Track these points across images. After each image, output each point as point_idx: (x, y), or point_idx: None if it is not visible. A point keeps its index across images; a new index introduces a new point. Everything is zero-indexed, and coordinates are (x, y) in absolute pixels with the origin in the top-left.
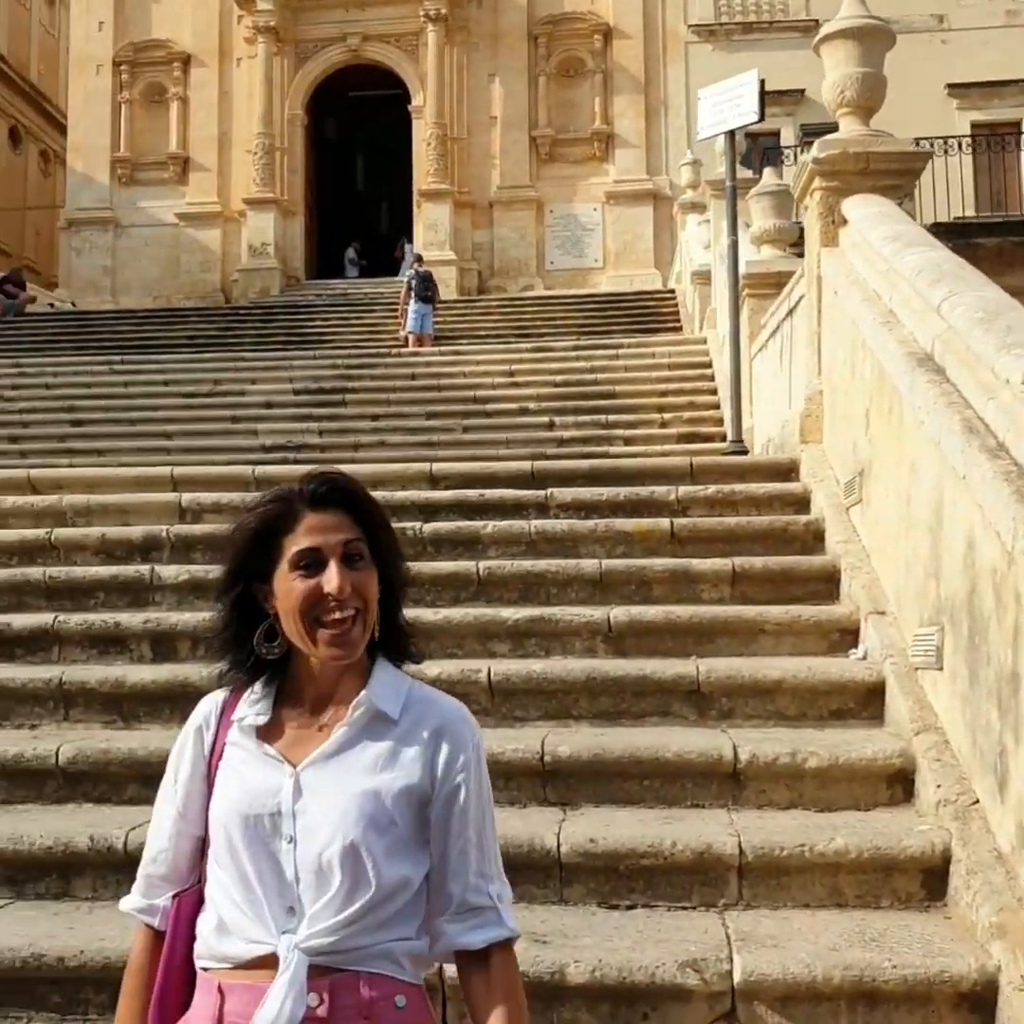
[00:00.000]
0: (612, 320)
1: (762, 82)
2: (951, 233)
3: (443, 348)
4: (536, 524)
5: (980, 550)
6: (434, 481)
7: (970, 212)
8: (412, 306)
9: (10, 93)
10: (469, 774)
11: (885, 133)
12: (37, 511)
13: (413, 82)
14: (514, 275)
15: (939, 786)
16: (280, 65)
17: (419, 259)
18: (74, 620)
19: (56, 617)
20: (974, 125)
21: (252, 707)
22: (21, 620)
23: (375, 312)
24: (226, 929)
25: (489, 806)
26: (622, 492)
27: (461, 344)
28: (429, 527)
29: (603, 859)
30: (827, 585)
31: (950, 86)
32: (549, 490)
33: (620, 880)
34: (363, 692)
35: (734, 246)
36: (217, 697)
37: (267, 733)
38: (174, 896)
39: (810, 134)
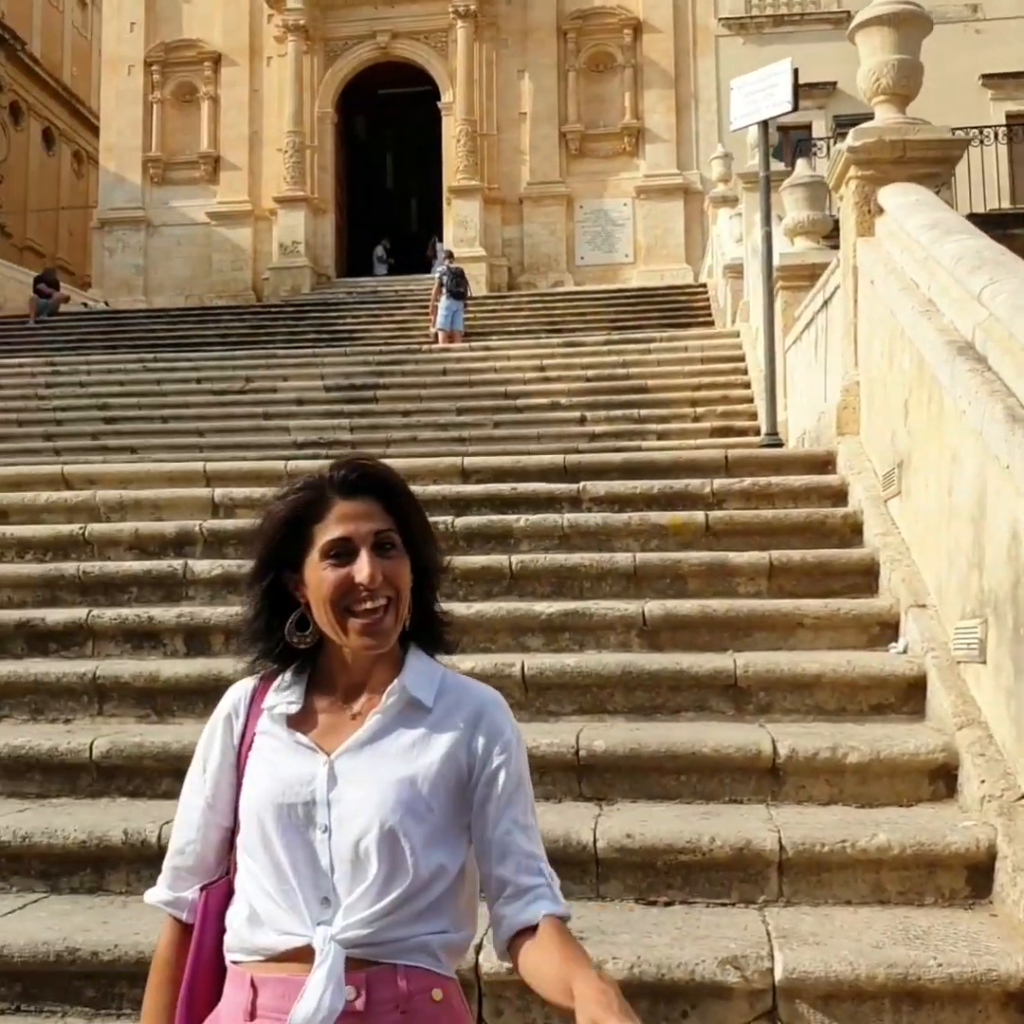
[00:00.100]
0: (643, 315)
1: (795, 71)
2: (987, 224)
3: (474, 344)
4: (569, 518)
5: None
6: (466, 475)
7: (1006, 204)
8: (443, 302)
9: (44, 95)
10: (509, 756)
11: (921, 121)
12: (71, 507)
13: (442, 79)
14: (544, 271)
15: (983, 781)
16: (310, 63)
17: (450, 255)
18: (108, 615)
19: (90, 612)
20: (1009, 116)
21: (283, 695)
22: (55, 615)
23: (405, 309)
24: (258, 920)
25: (530, 790)
26: (656, 485)
27: (492, 340)
28: (461, 521)
29: (640, 855)
30: (866, 578)
31: (984, 76)
32: (582, 483)
33: (657, 876)
34: (396, 680)
35: (768, 237)
36: (246, 685)
37: (298, 721)
38: (202, 888)
39: (843, 125)
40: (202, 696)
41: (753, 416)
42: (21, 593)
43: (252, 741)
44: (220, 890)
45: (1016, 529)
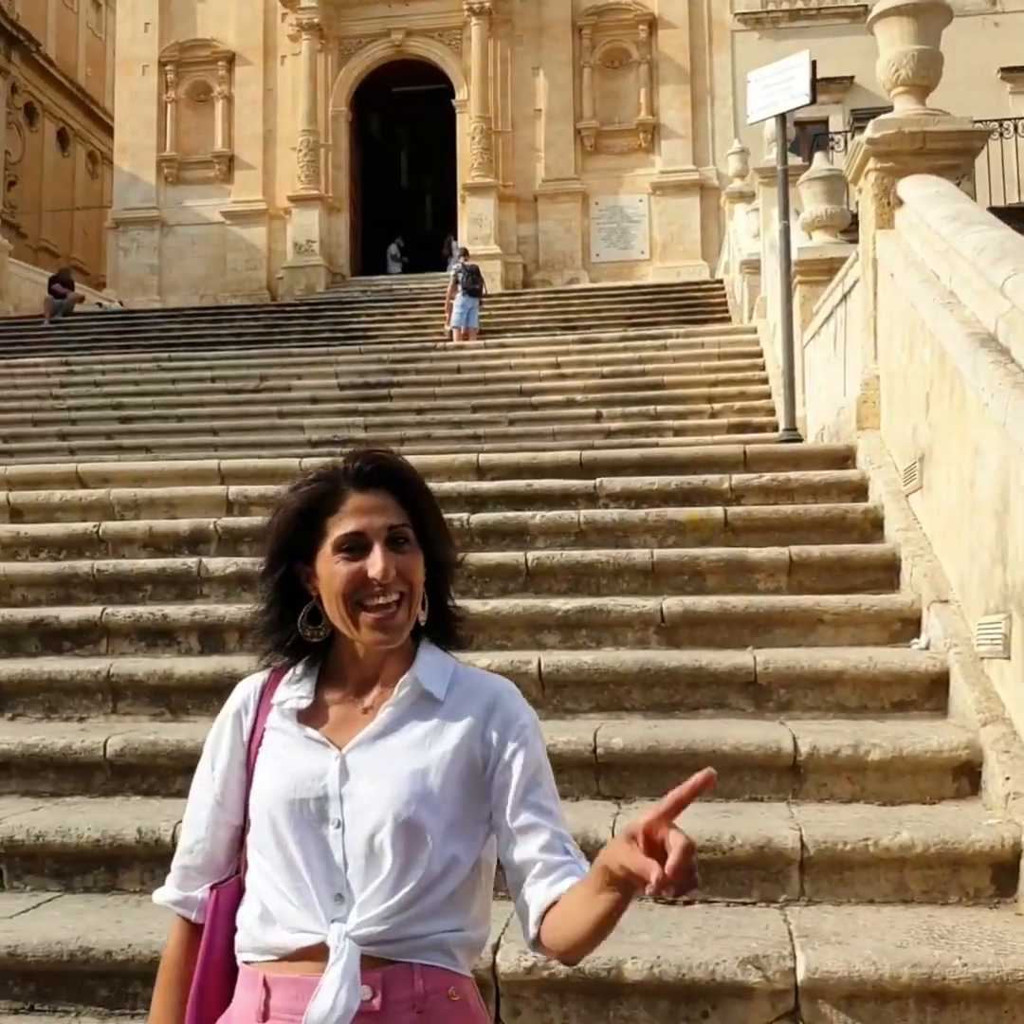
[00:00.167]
0: (659, 311)
1: (814, 63)
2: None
3: (488, 341)
4: (585, 514)
5: None
6: (481, 472)
7: None
8: (458, 300)
9: (58, 96)
10: (526, 741)
11: (941, 111)
12: (85, 505)
13: (457, 76)
14: (559, 268)
15: (1008, 778)
16: (324, 62)
17: (465, 253)
18: (122, 613)
19: (104, 610)
20: None
21: (294, 689)
22: (69, 613)
23: (420, 307)
24: (270, 918)
25: (550, 775)
26: (674, 481)
27: (507, 337)
28: (477, 518)
29: None
30: (887, 574)
31: (1004, 70)
32: (598, 480)
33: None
34: (408, 672)
35: (786, 231)
36: (255, 681)
37: (309, 716)
38: (212, 887)
39: (861, 120)
40: (216, 694)
41: (771, 412)
42: (35, 591)
43: (262, 737)
44: (231, 889)
45: None
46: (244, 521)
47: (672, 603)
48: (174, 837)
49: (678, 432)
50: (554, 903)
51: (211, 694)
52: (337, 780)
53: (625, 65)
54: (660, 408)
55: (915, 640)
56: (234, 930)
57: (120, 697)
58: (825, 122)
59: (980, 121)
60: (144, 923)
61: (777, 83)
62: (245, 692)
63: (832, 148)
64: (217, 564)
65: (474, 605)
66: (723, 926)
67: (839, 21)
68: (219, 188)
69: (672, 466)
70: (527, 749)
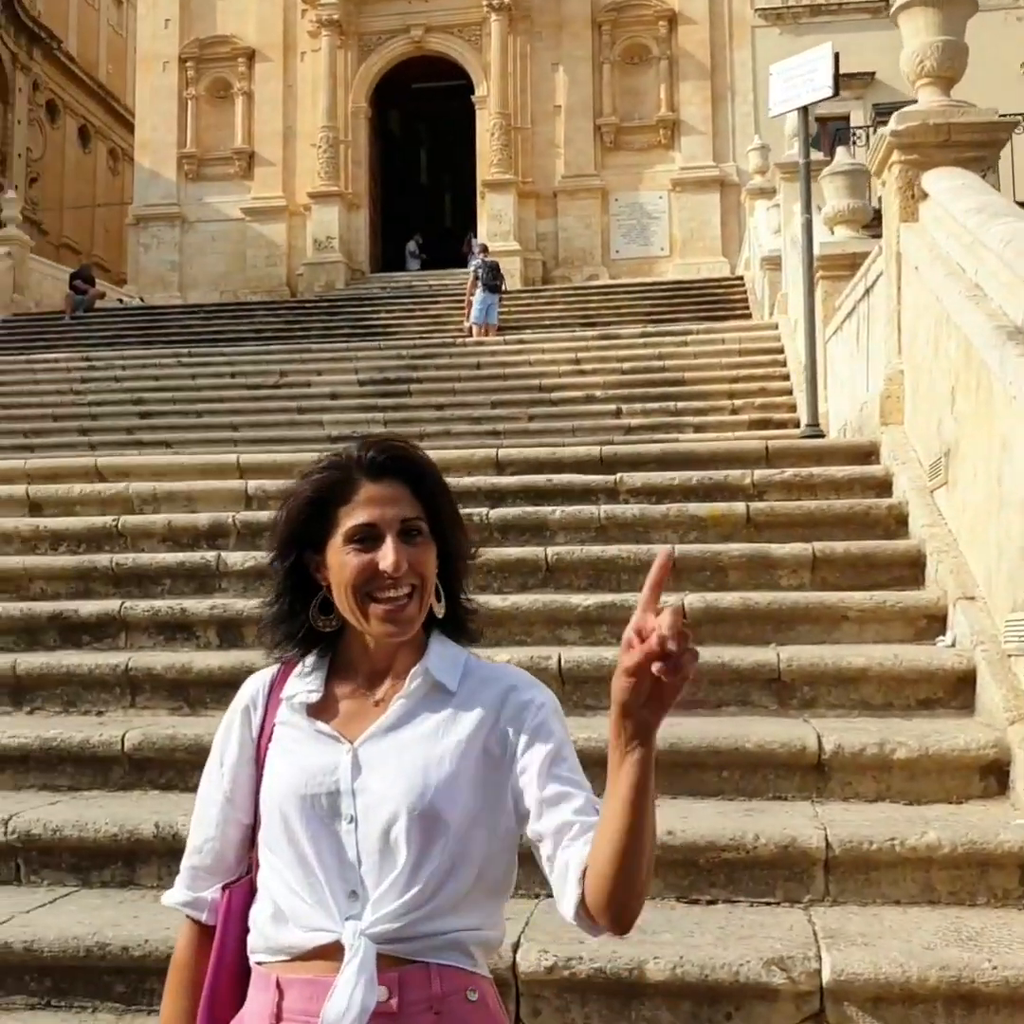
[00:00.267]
0: (679, 307)
1: (836, 55)
2: None
3: (508, 338)
4: (606, 509)
5: None
6: (501, 467)
7: None
8: (478, 296)
9: (79, 93)
10: (544, 718)
11: (966, 103)
12: (104, 499)
13: (476, 72)
14: (579, 264)
15: None
16: (344, 58)
17: (485, 249)
18: (141, 607)
19: (123, 604)
20: None
21: (303, 683)
22: (88, 607)
23: (439, 303)
24: (283, 917)
25: (574, 753)
26: (695, 476)
27: (526, 333)
28: (496, 513)
29: (682, 852)
30: (912, 570)
31: None
32: (619, 475)
33: (700, 874)
34: (420, 663)
35: (808, 225)
36: (264, 676)
37: (319, 710)
38: (224, 887)
39: (883, 114)
40: (234, 688)
41: (792, 408)
42: (54, 585)
43: (272, 732)
44: (242, 889)
45: None
46: (263, 515)
47: (694, 599)
48: None
49: (699, 428)
50: None
51: (229, 688)
52: (349, 774)
53: (645, 61)
54: (680, 404)
55: (941, 637)
56: (246, 931)
57: (138, 691)
58: (846, 118)
59: (1003, 115)
60: (161, 919)
61: (799, 76)
62: (254, 687)
63: (854, 144)
64: (236, 558)
65: (494, 600)
66: (747, 926)
67: (860, 16)
68: (239, 184)
69: (693, 461)
70: (545, 728)
